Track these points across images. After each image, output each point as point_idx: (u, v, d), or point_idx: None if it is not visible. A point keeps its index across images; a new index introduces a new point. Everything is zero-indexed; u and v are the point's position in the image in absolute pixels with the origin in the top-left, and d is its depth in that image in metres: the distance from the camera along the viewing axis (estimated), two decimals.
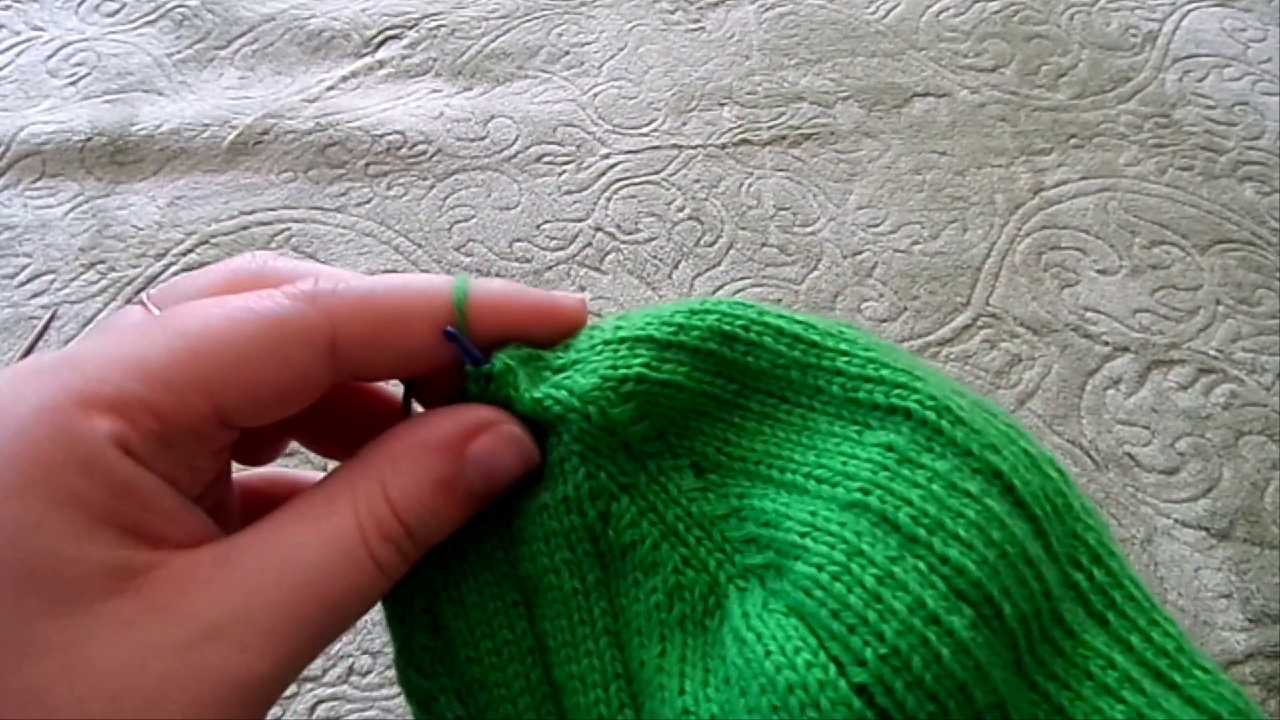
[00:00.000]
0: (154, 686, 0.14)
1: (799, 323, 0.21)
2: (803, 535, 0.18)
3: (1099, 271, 0.50)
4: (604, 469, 0.19)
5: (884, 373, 0.20)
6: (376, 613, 0.40)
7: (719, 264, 0.50)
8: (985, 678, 0.16)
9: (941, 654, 0.16)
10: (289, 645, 0.16)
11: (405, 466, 0.17)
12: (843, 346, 0.20)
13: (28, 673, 0.14)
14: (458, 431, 0.18)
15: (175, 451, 0.16)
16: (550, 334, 0.20)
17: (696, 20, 0.64)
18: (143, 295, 0.18)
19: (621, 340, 0.20)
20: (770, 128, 0.57)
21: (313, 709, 0.35)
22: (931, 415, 0.19)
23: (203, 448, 0.16)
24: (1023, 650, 0.17)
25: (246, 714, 0.15)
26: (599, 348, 0.20)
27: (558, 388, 0.19)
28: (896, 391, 0.19)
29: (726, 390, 0.20)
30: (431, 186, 0.54)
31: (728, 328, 0.20)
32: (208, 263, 0.51)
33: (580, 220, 0.53)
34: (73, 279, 0.50)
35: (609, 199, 0.54)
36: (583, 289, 0.49)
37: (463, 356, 0.19)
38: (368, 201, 0.54)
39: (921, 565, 0.17)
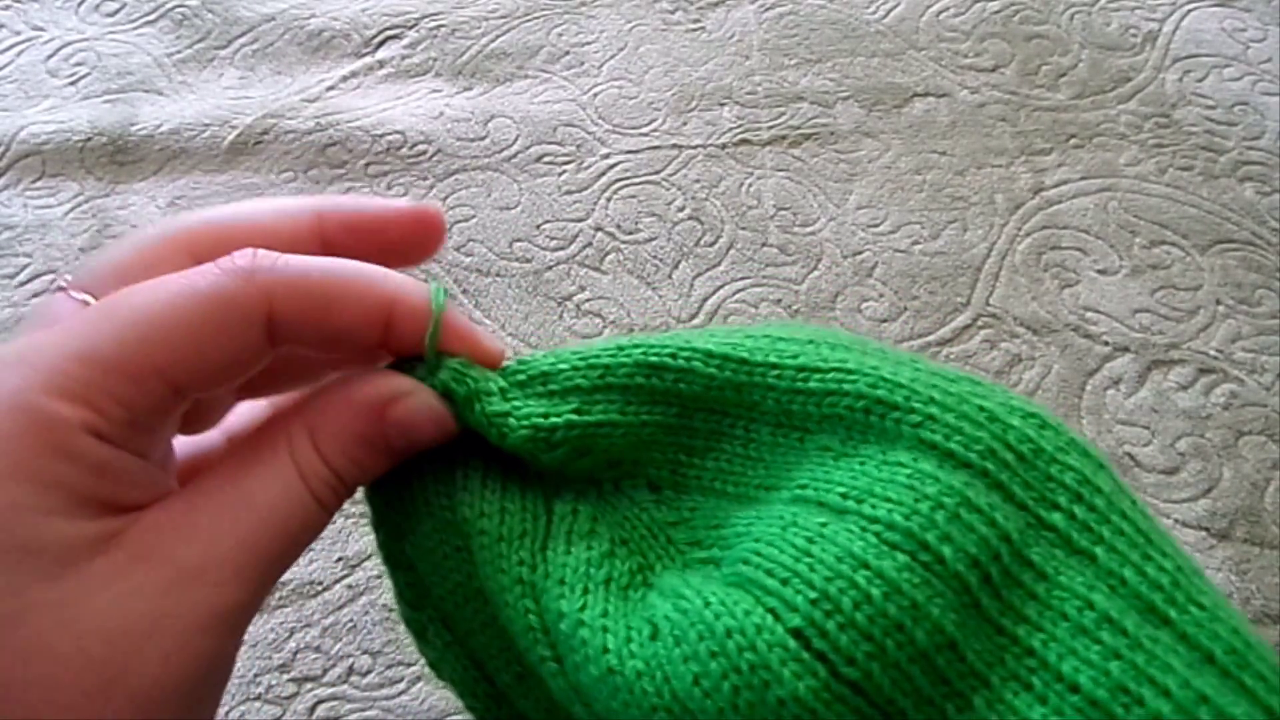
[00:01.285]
0: (145, 625, 0.16)
1: (726, 343, 0.21)
2: (746, 527, 0.20)
3: (1099, 271, 0.50)
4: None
5: (813, 383, 0.20)
6: (377, 613, 0.40)
7: (719, 264, 0.50)
8: (925, 617, 0.17)
9: (871, 594, 0.17)
10: (255, 576, 0.18)
11: (332, 420, 0.19)
12: (772, 360, 0.21)
13: (29, 631, 0.16)
14: (380, 396, 0.20)
15: (141, 430, 0.17)
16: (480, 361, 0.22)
17: (696, 20, 0.64)
18: (59, 281, 0.19)
19: (551, 393, 0.21)
20: (770, 128, 0.57)
21: (313, 709, 0.35)
22: (869, 396, 0.19)
23: (163, 421, 0.18)
24: (978, 593, 0.17)
25: (225, 639, 0.18)
26: (535, 387, 0.21)
27: (492, 425, 0.20)
28: (828, 399, 0.20)
29: (668, 415, 0.21)
30: (431, 186, 0.54)
31: (654, 359, 0.21)
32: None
33: (580, 220, 0.53)
34: None
35: (609, 199, 0.54)
36: (583, 289, 0.49)
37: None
38: None
39: (851, 526, 0.18)
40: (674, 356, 0.21)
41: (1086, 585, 0.17)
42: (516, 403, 0.20)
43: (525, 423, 0.20)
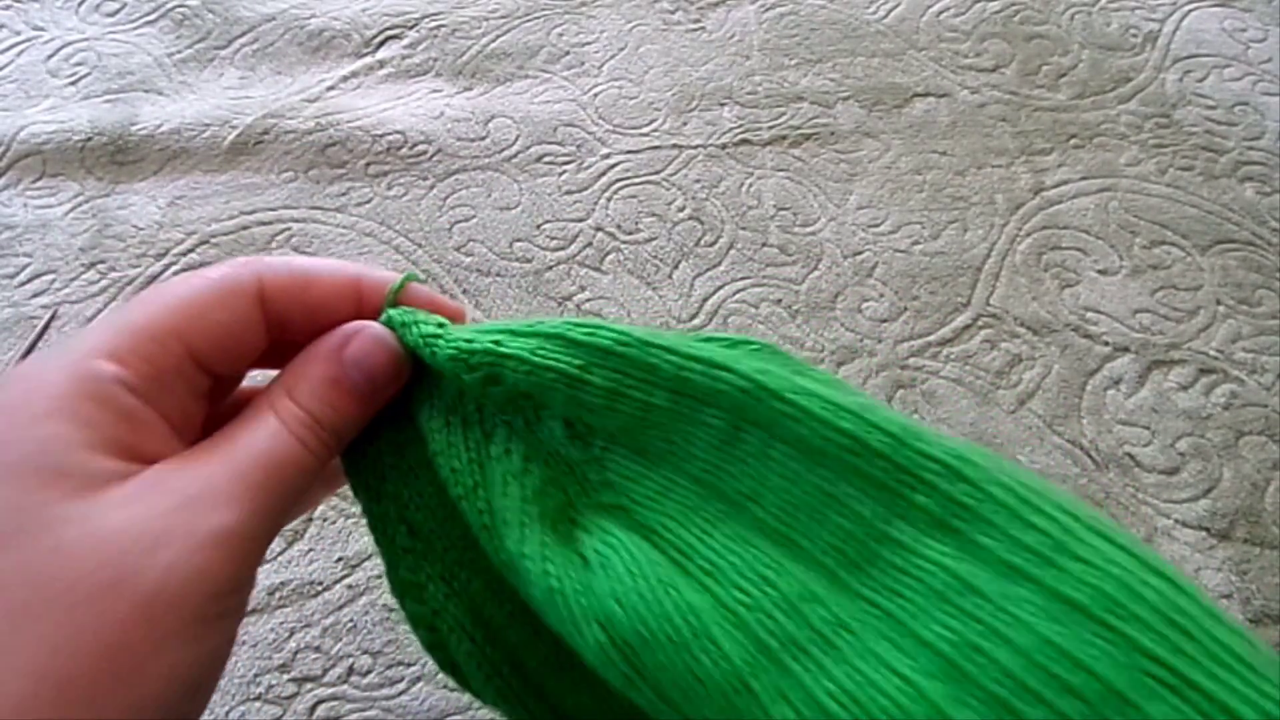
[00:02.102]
0: (150, 538, 0.20)
1: (623, 328, 0.24)
2: (658, 494, 0.23)
3: (1099, 271, 0.50)
4: (481, 408, 0.24)
5: (700, 358, 0.23)
6: (377, 613, 0.40)
7: (719, 264, 0.50)
8: (787, 572, 0.21)
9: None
10: (249, 505, 0.21)
11: (302, 371, 0.23)
12: (661, 343, 0.23)
13: (54, 536, 0.19)
14: (336, 340, 0.23)
15: (166, 391, 0.21)
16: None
17: (696, 20, 0.64)
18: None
19: (481, 331, 0.24)
20: (770, 128, 0.57)
21: (313, 709, 0.35)
22: (742, 392, 0.22)
23: (186, 388, 0.22)
24: (838, 570, 0.20)
25: (230, 558, 0.20)
26: (461, 335, 0.24)
27: (425, 345, 0.23)
28: (715, 373, 0.23)
29: (572, 365, 0.23)
30: (431, 186, 0.54)
31: (576, 332, 0.24)
32: (208, 262, 0.51)
33: (580, 220, 0.53)
34: (73, 279, 0.50)
35: (609, 199, 0.54)
36: (583, 289, 0.49)
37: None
38: (368, 201, 0.54)
39: (735, 527, 0.22)
40: (591, 331, 0.24)
41: (950, 554, 0.19)
42: (449, 332, 0.24)
43: (451, 344, 0.23)
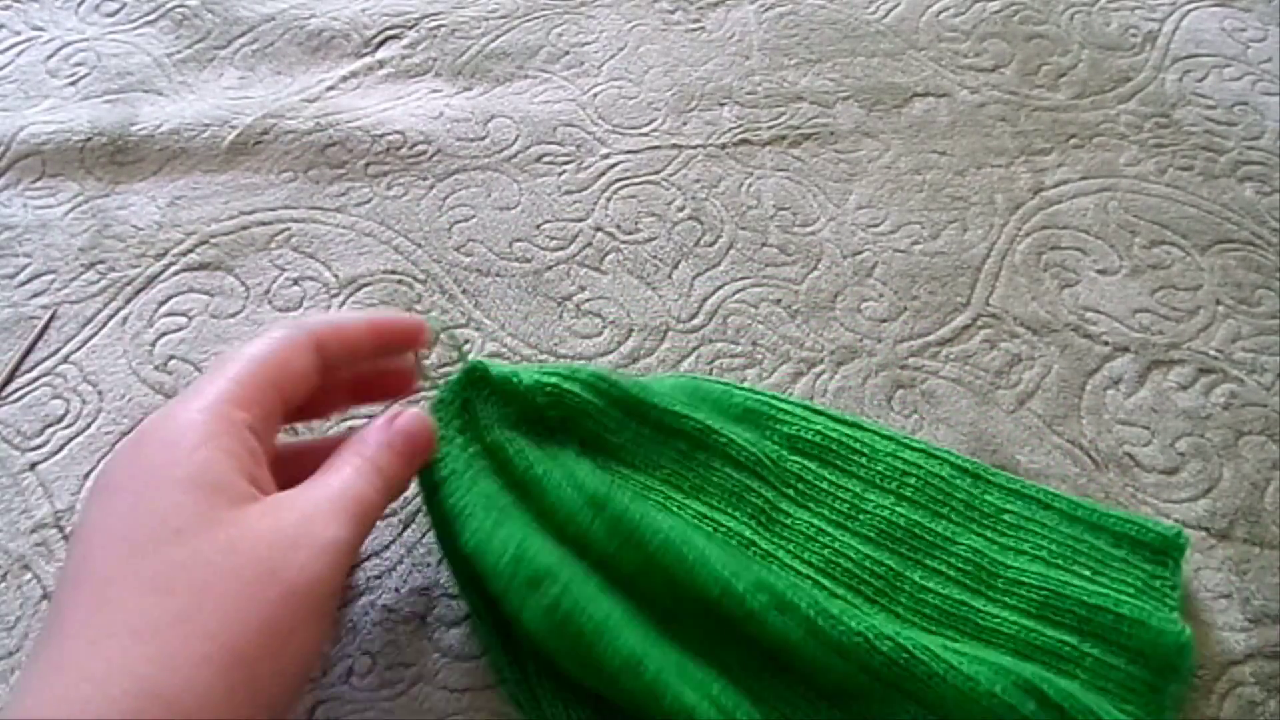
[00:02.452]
0: (291, 541, 0.26)
1: (627, 383, 0.39)
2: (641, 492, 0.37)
3: (1099, 271, 0.50)
4: (528, 428, 0.36)
5: (657, 412, 0.39)
6: (377, 613, 0.40)
7: (719, 264, 0.50)
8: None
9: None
10: (347, 524, 0.28)
11: (369, 436, 0.31)
12: (648, 396, 0.39)
13: (225, 534, 0.26)
14: (391, 414, 0.32)
15: (270, 430, 0.29)
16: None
17: (696, 20, 0.64)
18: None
19: (546, 374, 0.36)
20: (770, 128, 0.57)
21: (313, 710, 0.35)
22: (697, 430, 0.39)
23: (277, 422, 0.30)
24: (752, 524, 0.38)
25: (339, 563, 0.27)
26: (532, 373, 0.36)
27: (510, 379, 0.36)
28: (680, 418, 0.39)
29: (599, 402, 0.37)
30: (431, 186, 0.54)
31: (602, 383, 0.38)
32: (208, 263, 0.51)
33: (580, 220, 0.53)
34: (73, 279, 0.50)
35: (609, 199, 0.54)
36: (582, 289, 0.49)
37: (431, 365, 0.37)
38: (368, 201, 0.54)
39: (693, 505, 0.38)
40: (604, 379, 0.38)
41: (790, 499, 0.38)
42: (518, 373, 0.36)
43: (530, 379, 0.36)
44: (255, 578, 0.25)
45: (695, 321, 0.48)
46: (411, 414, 0.32)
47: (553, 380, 0.36)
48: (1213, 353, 0.46)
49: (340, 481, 0.29)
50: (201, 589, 0.24)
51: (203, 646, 0.23)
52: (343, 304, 0.49)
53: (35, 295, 0.50)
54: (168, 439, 0.27)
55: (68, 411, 0.45)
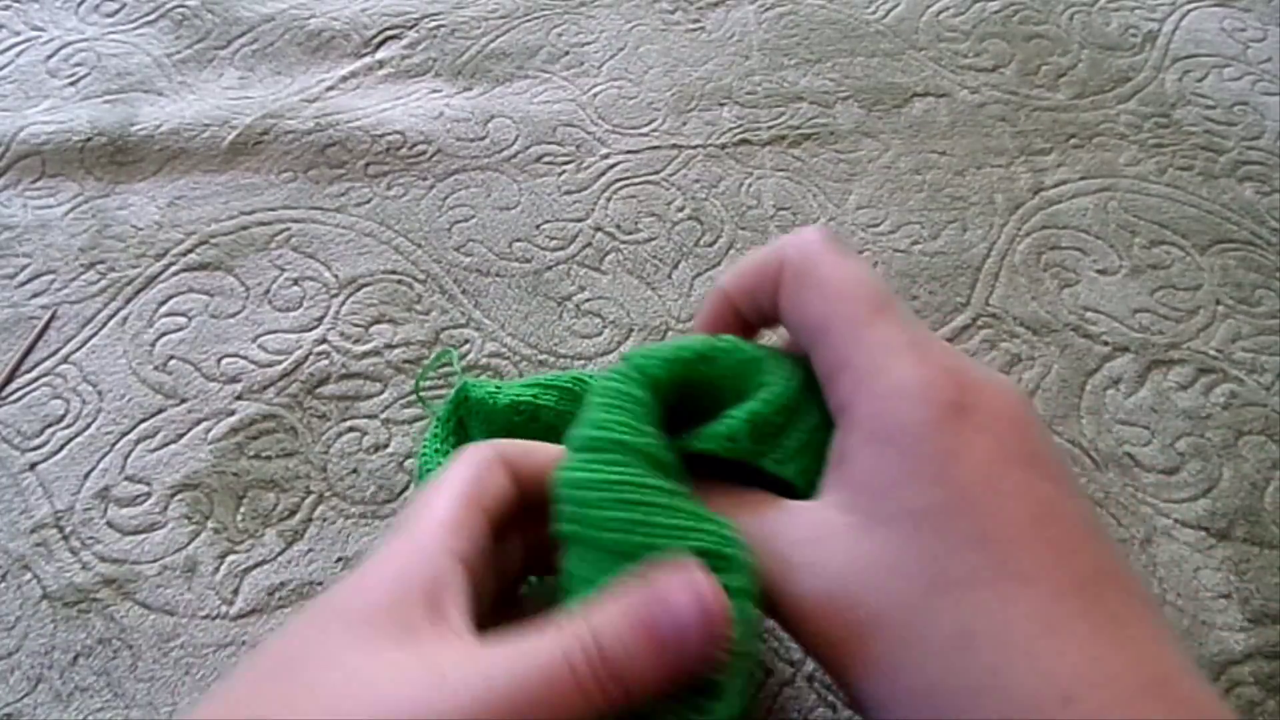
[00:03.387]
0: (401, 705, 0.21)
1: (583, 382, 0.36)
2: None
3: (1099, 271, 0.50)
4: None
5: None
6: None
7: (719, 264, 0.50)
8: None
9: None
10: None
11: (607, 607, 0.23)
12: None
13: (427, 646, 0.22)
14: (649, 585, 0.23)
15: (477, 553, 0.26)
16: None
17: (696, 20, 0.64)
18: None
19: (522, 387, 0.35)
20: (770, 128, 0.57)
21: None
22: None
23: (485, 546, 0.26)
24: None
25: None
26: (514, 389, 0.35)
27: (490, 396, 0.35)
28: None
29: (574, 409, 0.33)
30: (431, 186, 0.54)
31: (577, 384, 0.35)
32: (208, 263, 0.51)
33: (580, 220, 0.52)
34: (73, 279, 0.50)
35: (609, 199, 0.54)
36: (582, 289, 0.49)
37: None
38: (368, 201, 0.54)
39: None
40: (580, 381, 0.35)
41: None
42: (499, 392, 0.35)
43: (507, 397, 0.35)
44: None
45: (695, 321, 0.48)
46: (689, 582, 0.22)
47: (529, 395, 0.35)
48: (1213, 353, 0.46)
49: (516, 669, 0.22)
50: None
51: None
52: (343, 304, 0.49)
53: (35, 295, 0.50)
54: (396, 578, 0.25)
55: (67, 411, 0.45)
